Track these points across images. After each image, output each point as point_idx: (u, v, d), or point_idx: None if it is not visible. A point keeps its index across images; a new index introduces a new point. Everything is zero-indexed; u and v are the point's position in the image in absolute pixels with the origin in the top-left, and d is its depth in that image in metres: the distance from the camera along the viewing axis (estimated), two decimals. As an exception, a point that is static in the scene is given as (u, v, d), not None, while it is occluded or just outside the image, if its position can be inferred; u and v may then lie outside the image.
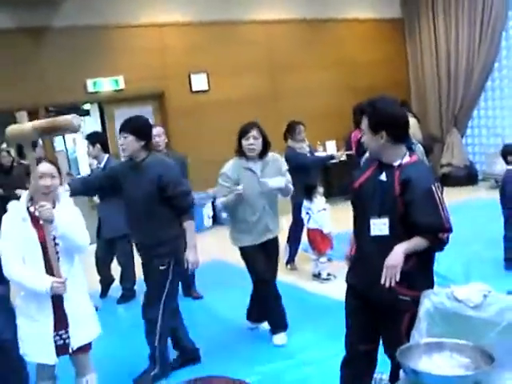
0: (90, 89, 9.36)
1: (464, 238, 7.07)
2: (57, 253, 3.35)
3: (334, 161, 7.89)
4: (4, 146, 16.83)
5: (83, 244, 3.49)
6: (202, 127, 9.97)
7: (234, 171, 4.68)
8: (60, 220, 3.28)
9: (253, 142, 4.62)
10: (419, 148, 5.71)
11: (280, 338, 4.83)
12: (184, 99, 9.96)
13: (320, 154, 7.78)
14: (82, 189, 4.50)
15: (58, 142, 12.77)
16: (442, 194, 3.02)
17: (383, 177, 3.05)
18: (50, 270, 3.31)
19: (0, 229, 3.40)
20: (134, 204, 4.22)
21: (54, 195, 3.45)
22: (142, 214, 4.17)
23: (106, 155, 6.22)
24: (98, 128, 10.09)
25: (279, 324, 4.88)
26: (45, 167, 3.43)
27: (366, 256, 3.14)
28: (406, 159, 3.06)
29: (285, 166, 4.86)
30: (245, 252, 4.80)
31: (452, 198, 9.49)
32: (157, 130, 5.68)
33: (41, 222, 3.31)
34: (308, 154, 6.92)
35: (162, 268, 4.18)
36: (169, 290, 4.23)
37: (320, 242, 6.35)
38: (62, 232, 3.30)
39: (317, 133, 9.04)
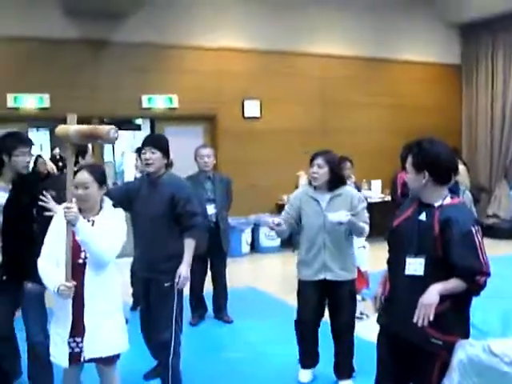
0: (145, 104, 9.56)
1: (504, 291, 6.91)
2: (85, 259, 3.38)
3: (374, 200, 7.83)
4: (57, 151, 17.21)
5: (101, 254, 3.36)
6: (249, 153, 10.03)
7: (298, 198, 4.51)
8: (84, 226, 3.29)
9: (316, 170, 4.36)
10: (468, 195, 5.63)
11: None
12: (235, 124, 10.07)
13: (365, 192, 7.73)
14: None
15: (107, 153, 12.95)
16: (481, 237, 2.97)
17: (423, 216, 3.04)
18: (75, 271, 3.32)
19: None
20: (145, 218, 4.26)
21: (92, 204, 3.46)
22: (153, 229, 4.22)
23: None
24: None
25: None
26: (79, 177, 3.43)
27: (399, 295, 3.09)
28: (447, 201, 3.05)
29: (361, 204, 4.42)
30: (299, 285, 4.56)
31: (495, 250, 9.32)
32: (207, 151, 5.79)
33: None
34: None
35: (166, 285, 4.20)
36: (177, 307, 4.27)
37: (356, 279, 6.26)
38: (81, 238, 3.27)
39: (363, 171, 9.00)
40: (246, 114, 10.27)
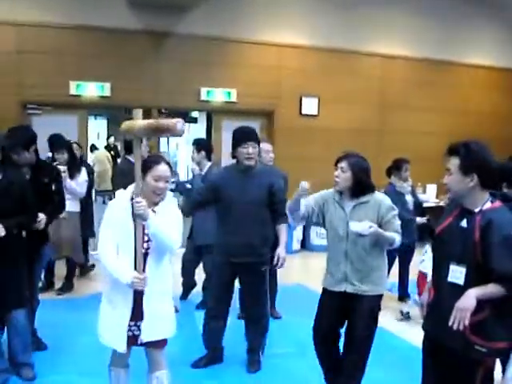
0: (203, 97, 9.63)
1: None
2: (147, 249, 3.44)
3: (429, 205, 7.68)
4: (112, 139, 17.53)
5: (172, 246, 3.47)
6: (305, 150, 10.02)
7: (324, 198, 4.15)
8: (154, 219, 3.34)
9: (338, 174, 4.00)
10: None
11: None
12: (292, 121, 10.07)
13: (420, 195, 7.63)
14: (192, 212, 5.07)
15: (162, 144, 13.14)
16: None
17: (464, 223, 3.00)
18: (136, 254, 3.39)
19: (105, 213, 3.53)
20: (241, 206, 4.51)
21: (162, 198, 3.50)
22: (250, 216, 4.53)
23: (209, 163, 6.35)
24: (203, 136, 10.33)
25: None
26: (163, 169, 3.46)
27: (442, 302, 3.06)
28: (488, 205, 2.99)
29: (391, 212, 4.01)
30: (321, 293, 4.23)
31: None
32: (267, 147, 5.81)
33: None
34: (409, 194, 6.82)
35: (263, 269, 4.68)
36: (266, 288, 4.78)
37: (422, 285, 6.13)
38: (153, 231, 3.35)
39: (419, 175, 8.88)
40: (303, 111, 10.25)
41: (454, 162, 2.99)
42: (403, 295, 7.10)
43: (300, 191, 3.95)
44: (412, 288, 6.71)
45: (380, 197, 4.06)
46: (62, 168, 6.28)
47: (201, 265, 6.49)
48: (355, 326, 4.02)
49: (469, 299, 2.82)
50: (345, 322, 4.13)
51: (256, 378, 4.73)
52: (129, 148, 6.33)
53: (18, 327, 4.35)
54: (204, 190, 4.85)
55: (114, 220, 3.46)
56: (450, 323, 2.84)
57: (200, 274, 6.59)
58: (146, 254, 3.46)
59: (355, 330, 4.02)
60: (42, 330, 5.11)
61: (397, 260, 6.97)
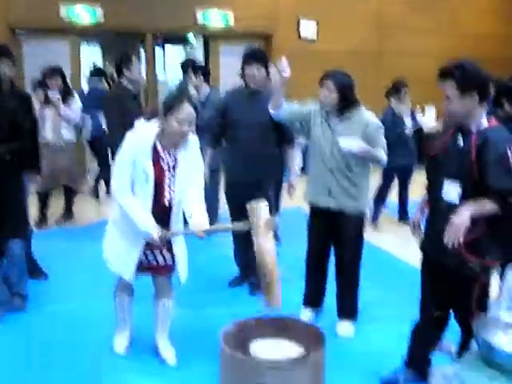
0: (199, 20, 9.45)
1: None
2: (171, 200, 3.39)
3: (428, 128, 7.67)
4: (107, 68, 17.13)
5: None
6: (303, 74, 9.84)
7: (311, 111, 4.08)
8: (182, 170, 3.34)
9: (325, 93, 3.93)
10: None
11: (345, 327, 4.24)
12: (291, 44, 9.87)
13: (419, 117, 7.58)
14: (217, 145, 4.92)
15: (159, 72, 12.87)
16: None
17: (460, 142, 2.99)
18: (156, 210, 3.35)
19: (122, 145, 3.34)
20: (247, 130, 4.49)
21: (185, 140, 3.35)
22: (256, 140, 4.49)
23: (208, 88, 6.18)
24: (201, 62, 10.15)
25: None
26: (187, 111, 3.23)
27: (437, 220, 3.08)
28: (485, 124, 2.98)
29: (378, 131, 3.99)
30: (309, 211, 4.25)
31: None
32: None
33: (161, 163, 3.32)
34: (408, 117, 6.79)
35: (270, 192, 4.63)
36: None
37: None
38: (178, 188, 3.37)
39: (417, 97, 8.79)
40: (301, 35, 10.09)
41: (451, 86, 2.92)
42: (403, 217, 7.18)
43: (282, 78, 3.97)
44: (411, 209, 6.74)
45: (366, 114, 4.02)
46: (56, 95, 6.21)
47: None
48: (344, 246, 4.11)
49: (463, 216, 2.81)
50: (331, 242, 4.20)
51: (248, 300, 4.78)
52: (121, 70, 5.93)
53: (13, 257, 4.36)
54: (215, 117, 4.78)
55: (132, 161, 3.27)
56: (445, 241, 2.85)
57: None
58: (170, 206, 3.41)
59: (344, 251, 4.12)
60: (42, 260, 5.14)
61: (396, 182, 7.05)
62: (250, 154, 4.54)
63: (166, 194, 3.37)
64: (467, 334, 3.09)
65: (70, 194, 6.95)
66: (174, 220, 3.46)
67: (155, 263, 3.58)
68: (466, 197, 2.91)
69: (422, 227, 3.35)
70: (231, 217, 4.84)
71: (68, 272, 5.30)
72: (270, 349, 2.91)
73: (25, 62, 8.58)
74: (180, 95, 3.44)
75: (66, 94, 6.39)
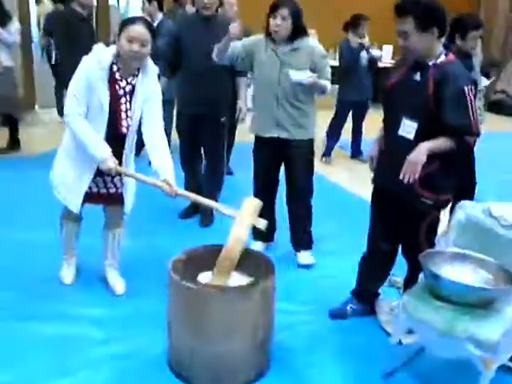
0: None
1: (503, 164, 6.97)
2: (128, 127, 3.29)
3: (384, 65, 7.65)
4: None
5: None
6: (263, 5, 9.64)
7: (253, 43, 4.00)
8: (139, 96, 3.24)
9: (279, 22, 3.81)
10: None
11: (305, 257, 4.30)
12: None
13: (375, 51, 7.51)
14: (172, 73, 4.77)
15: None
16: (475, 97, 2.92)
17: (417, 77, 2.96)
18: (110, 139, 3.25)
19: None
20: (199, 57, 4.37)
21: (140, 64, 3.23)
22: (208, 68, 4.33)
23: (161, 14, 6.12)
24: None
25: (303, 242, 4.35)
26: (137, 29, 3.12)
27: (392, 154, 3.09)
28: (442, 58, 2.95)
29: (324, 60, 4.01)
30: (254, 143, 4.22)
31: (500, 126, 9.31)
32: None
33: (117, 87, 3.22)
34: (364, 51, 6.72)
35: (222, 120, 4.68)
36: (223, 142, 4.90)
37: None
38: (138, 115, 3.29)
39: (374, 35, 8.70)
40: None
41: (410, 23, 2.85)
42: (356, 153, 7.21)
43: (230, 34, 3.80)
44: (364, 146, 6.78)
45: (314, 43, 4.00)
46: None
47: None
48: (295, 174, 4.11)
49: (420, 153, 2.84)
50: (279, 169, 4.23)
51: (199, 230, 4.80)
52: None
53: None
54: (168, 44, 4.64)
55: (86, 86, 3.14)
56: (400, 176, 2.88)
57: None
58: (125, 134, 3.31)
59: (297, 179, 4.12)
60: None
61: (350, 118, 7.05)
62: (202, 82, 4.46)
63: (123, 121, 3.26)
64: (414, 268, 3.15)
65: (12, 122, 6.69)
66: (127, 148, 3.38)
67: (105, 192, 3.50)
68: (422, 133, 2.91)
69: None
70: (181, 149, 4.84)
71: (14, 200, 5.21)
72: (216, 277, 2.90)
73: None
74: (134, 17, 3.36)
75: (2, 17, 6.08)
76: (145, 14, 6.06)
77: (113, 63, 3.20)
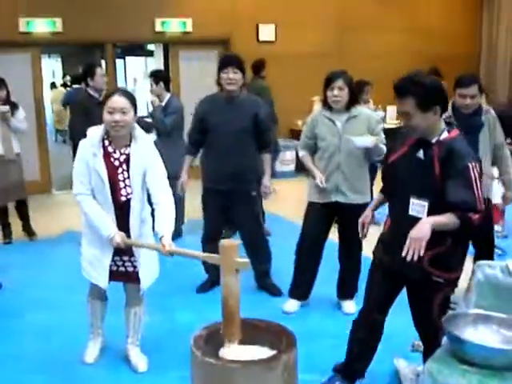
0: (158, 28, 9.41)
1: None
2: (129, 194, 3.38)
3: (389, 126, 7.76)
4: (67, 78, 17.04)
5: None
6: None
7: (313, 119, 4.39)
8: (135, 164, 3.33)
9: (337, 93, 4.20)
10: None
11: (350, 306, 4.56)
12: (250, 48, 9.85)
13: (379, 112, 7.67)
14: (196, 152, 4.94)
15: (119, 79, 12.82)
16: (479, 174, 2.86)
17: (421, 154, 2.95)
18: (117, 209, 3.37)
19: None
20: (226, 135, 4.56)
21: (127, 131, 3.34)
22: (236, 145, 4.58)
23: (168, 94, 6.31)
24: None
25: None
26: (116, 100, 3.27)
27: (401, 234, 2.94)
28: (445, 135, 2.94)
29: (379, 125, 4.39)
30: (307, 207, 4.48)
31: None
32: None
33: (112, 159, 3.35)
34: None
35: (253, 194, 4.79)
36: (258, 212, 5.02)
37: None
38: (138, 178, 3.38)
39: (379, 96, 8.88)
40: (260, 38, 10.11)
41: (411, 103, 2.85)
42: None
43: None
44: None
45: (366, 110, 4.44)
46: (6, 108, 6.07)
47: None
48: (350, 235, 4.29)
49: (424, 228, 2.76)
50: (329, 231, 4.48)
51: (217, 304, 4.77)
52: (86, 80, 6.12)
53: None
54: (194, 124, 4.80)
55: (86, 165, 3.33)
56: (403, 253, 2.79)
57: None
58: (127, 201, 3.40)
59: (350, 234, 4.19)
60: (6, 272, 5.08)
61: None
62: (230, 159, 4.58)
63: (122, 190, 3.37)
64: (428, 341, 3.13)
65: (24, 209, 6.66)
66: (133, 217, 3.42)
67: (124, 270, 3.56)
68: (434, 212, 2.87)
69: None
70: (207, 226, 4.90)
71: (34, 283, 5.22)
72: (240, 352, 2.89)
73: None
74: (114, 90, 3.52)
75: (12, 106, 6.22)
76: (153, 95, 6.24)
77: (104, 139, 3.36)
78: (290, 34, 10.15)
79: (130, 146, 3.38)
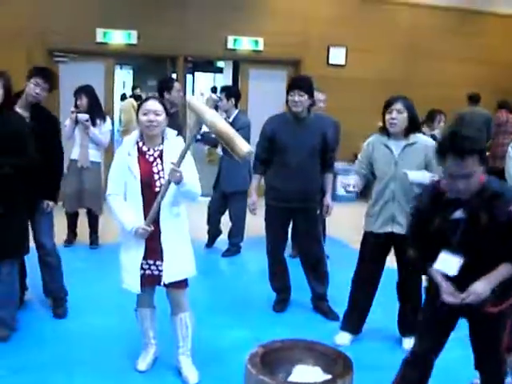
0: (230, 45, 9.52)
1: None
2: (160, 186, 3.49)
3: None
4: (137, 90, 17.48)
5: (197, 194, 3.58)
6: (331, 100, 9.88)
7: (370, 144, 4.26)
8: (187, 181, 3.42)
9: (395, 116, 4.04)
10: None
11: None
12: (319, 70, 9.86)
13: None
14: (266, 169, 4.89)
15: (188, 94, 13.05)
16: None
17: (457, 215, 2.80)
18: (147, 208, 3.49)
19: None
20: (296, 153, 4.59)
21: (159, 131, 3.57)
22: (305, 163, 4.62)
23: (236, 110, 6.37)
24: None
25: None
26: (150, 103, 3.55)
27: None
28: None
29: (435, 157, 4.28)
30: (364, 238, 4.37)
31: None
32: (320, 96, 5.93)
33: (147, 156, 3.56)
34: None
35: (318, 213, 4.84)
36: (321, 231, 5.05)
37: None
38: (184, 189, 3.46)
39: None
40: (330, 61, 10.12)
41: (475, 161, 2.64)
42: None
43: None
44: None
45: (425, 138, 4.24)
46: (84, 116, 6.19)
47: (226, 213, 6.54)
48: (408, 267, 4.11)
49: (486, 288, 2.74)
50: (384, 267, 4.32)
51: (271, 322, 4.73)
52: (162, 92, 6.18)
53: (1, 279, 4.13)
54: (263, 143, 4.82)
55: (121, 166, 3.58)
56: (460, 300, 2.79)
57: (225, 223, 6.63)
58: (159, 204, 3.48)
59: (410, 272, 4.13)
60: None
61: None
62: (298, 177, 4.61)
63: (157, 182, 3.53)
64: (489, 376, 3.01)
65: (93, 218, 6.71)
66: (163, 211, 3.51)
67: (158, 273, 3.59)
68: (468, 268, 2.79)
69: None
70: (270, 242, 4.90)
71: (94, 288, 5.29)
72: (296, 373, 2.86)
73: (61, 84, 8.71)
74: (147, 97, 3.78)
75: (96, 116, 6.31)
76: (220, 110, 6.28)
77: (138, 141, 3.62)
78: (360, 58, 10.14)
79: (162, 143, 3.61)
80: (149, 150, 3.58)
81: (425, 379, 3.19)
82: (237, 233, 6.53)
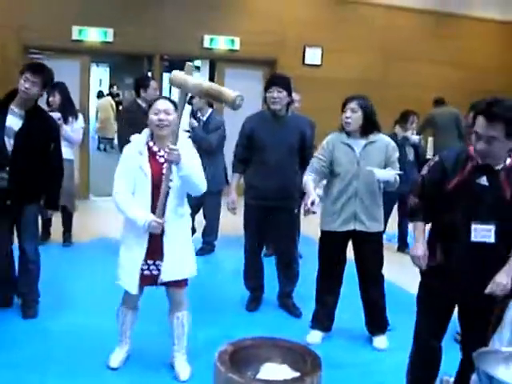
0: (206, 44, 9.56)
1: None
2: (169, 188, 3.48)
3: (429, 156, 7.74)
4: (114, 88, 17.37)
5: (201, 186, 3.61)
6: (307, 100, 9.90)
7: (331, 143, 4.23)
8: (186, 162, 3.43)
9: (349, 114, 4.11)
10: None
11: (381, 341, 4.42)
12: (295, 70, 9.87)
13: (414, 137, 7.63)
14: (243, 169, 4.92)
15: (165, 92, 12.98)
16: None
17: (483, 181, 2.91)
18: (155, 208, 3.47)
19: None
20: (275, 151, 4.62)
21: (170, 131, 3.52)
22: (284, 161, 4.66)
23: (210, 109, 6.38)
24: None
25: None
26: (161, 103, 3.58)
27: (461, 263, 2.98)
28: (509, 161, 2.93)
29: (396, 153, 4.28)
30: (323, 237, 4.35)
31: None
32: (296, 96, 5.93)
33: (157, 157, 3.54)
34: (410, 146, 6.80)
35: (296, 211, 4.86)
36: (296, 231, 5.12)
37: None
38: (184, 173, 3.44)
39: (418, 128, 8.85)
40: (306, 61, 10.19)
41: (500, 129, 2.76)
42: (402, 246, 7.13)
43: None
44: (411, 239, 6.70)
45: (386, 138, 4.27)
46: (57, 115, 6.09)
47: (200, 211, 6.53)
48: (370, 263, 4.30)
49: (508, 279, 2.85)
50: (345, 264, 4.36)
51: (245, 321, 4.77)
52: (138, 90, 6.18)
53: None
54: (242, 141, 4.84)
55: (130, 165, 3.55)
56: (486, 291, 2.88)
57: (199, 222, 6.62)
58: (166, 194, 3.49)
59: (370, 267, 4.30)
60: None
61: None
62: (277, 175, 4.64)
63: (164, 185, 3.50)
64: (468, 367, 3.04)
65: (67, 215, 6.67)
66: (168, 209, 3.53)
67: (157, 273, 3.61)
68: (500, 238, 2.90)
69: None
70: (248, 240, 4.93)
71: (65, 286, 5.27)
72: (264, 371, 2.87)
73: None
74: (158, 97, 3.89)
75: (68, 114, 6.24)
76: (195, 107, 6.40)
77: (148, 141, 3.61)
78: (336, 58, 10.21)
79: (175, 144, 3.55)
80: (159, 151, 3.58)
81: (436, 367, 3.32)
82: (211, 231, 6.54)
